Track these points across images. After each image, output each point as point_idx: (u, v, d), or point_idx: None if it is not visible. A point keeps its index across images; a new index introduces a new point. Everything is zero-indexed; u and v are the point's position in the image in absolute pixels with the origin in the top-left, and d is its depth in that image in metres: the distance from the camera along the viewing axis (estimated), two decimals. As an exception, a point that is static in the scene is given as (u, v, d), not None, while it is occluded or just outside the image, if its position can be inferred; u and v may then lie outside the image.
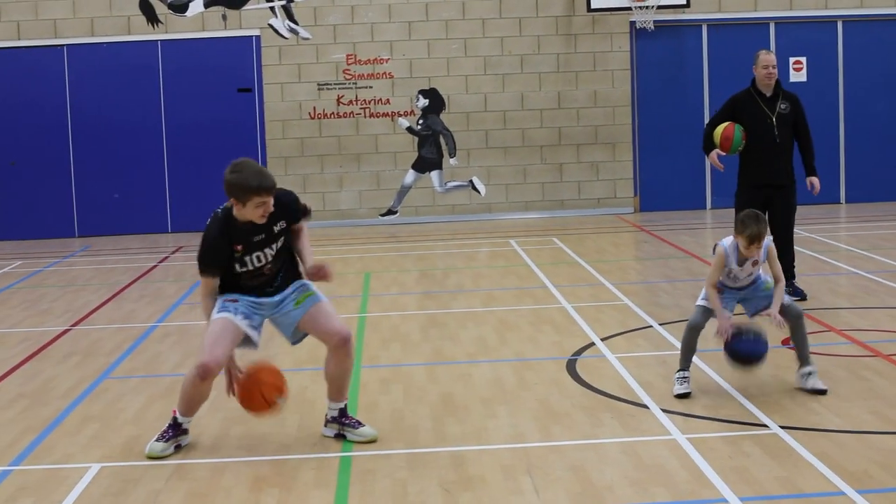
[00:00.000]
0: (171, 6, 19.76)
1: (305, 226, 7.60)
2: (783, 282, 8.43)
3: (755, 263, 8.32)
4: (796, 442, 7.20)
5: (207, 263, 7.36)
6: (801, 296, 11.57)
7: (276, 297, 7.50)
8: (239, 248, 7.27)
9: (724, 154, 11.49)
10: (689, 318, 8.53)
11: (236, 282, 7.42)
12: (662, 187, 20.32)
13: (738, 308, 8.55)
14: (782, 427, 7.51)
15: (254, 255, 7.33)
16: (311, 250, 7.56)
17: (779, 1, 20.26)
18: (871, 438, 7.29)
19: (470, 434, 7.70)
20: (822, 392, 8.24)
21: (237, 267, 7.34)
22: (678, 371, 8.44)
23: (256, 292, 7.45)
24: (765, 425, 7.58)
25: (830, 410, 7.91)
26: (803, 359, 8.39)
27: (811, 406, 8.01)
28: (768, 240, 8.38)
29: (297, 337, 7.66)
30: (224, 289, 7.45)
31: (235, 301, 7.43)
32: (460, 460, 7.15)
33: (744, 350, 8.24)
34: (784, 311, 8.34)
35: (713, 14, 20.21)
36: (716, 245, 8.44)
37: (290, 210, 7.42)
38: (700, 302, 8.49)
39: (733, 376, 8.61)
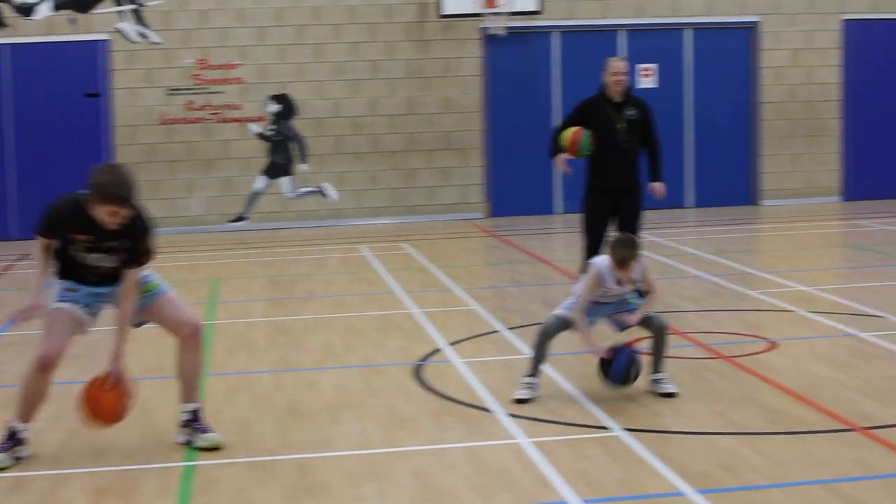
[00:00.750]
0: (18, 9, 19.32)
1: (136, 274, 7.37)
2: (657, 292, 8.50)
3: (633, 282, 8.39)
4: (639, 444, 7.27)
5: (42, 231, 7.26)
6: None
7: (118, 287, 7.36)
8: (83, 238, 7.13)
9: (571, 158, 11.57)
10: (544, 325, 8.54)
11: (75, 269, 7.28)
12: (513, 193, 20.44)
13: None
14: (625, 429, 7.57)
15: (97, 255, 7.20)
16: (132, 302, 7.36)
17: (629, 8, 20.52)
18: (712, 439, 7.38)
19: (315, 441, 7.63)
20: (672, 395, 8.34)
21: (76, 255, 7.21)
22: (526, 376, 8.46)
23: (95, 284, 7.33)
24: (608, 428, 7.64)
25: (673, 412, 8.00)
26: (656, 365, 8.49)
27: (654, 408, 8.10)
28: (644, 264, 8.45)
29: (136, 321, 7.51)
30: (64, 273, 7.31)
31: (75, 290, 7.29)
32: (305, 468, 7.08)
33: (617, 374, 8.31)
34: (649, 321, 8.44)
35: (564, 21, 20.39)
36: (589, 265, 8.49)
37: (136, 244, 7.26)
38: (558, 311, 8.50)
39: (577, 379, 8.65)
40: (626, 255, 8.23)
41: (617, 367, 8.30)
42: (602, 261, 8.41)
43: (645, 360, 8.52)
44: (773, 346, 9.89)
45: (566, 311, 8.45)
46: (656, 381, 8.46)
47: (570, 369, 8.75)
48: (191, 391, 7.58)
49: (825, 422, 7.68)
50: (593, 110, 11.60)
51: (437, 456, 7.24)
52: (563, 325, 8.46)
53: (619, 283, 8.34)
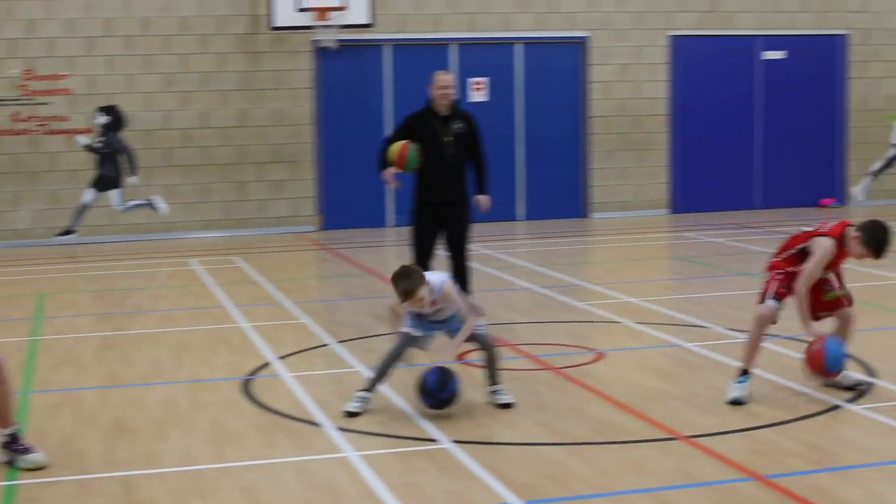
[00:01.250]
0: None
1: None
2: (471, 320, 8.48)
3: (433, 304, 8.39)
4: (467, 456, 7.30)
5: None
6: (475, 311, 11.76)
7: None
8: None
9: (399, 172, 11.60)
10: (394, 345, 8.49)
11: None
12: (345, 205, 20.42)
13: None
14: (453, 442, 7.60)
15: None
16: None
17: (460, 22, 20.67)
18: (540, 450, 7.45)
19: (141, 458, 7.51)
20: (509, 406, 8.39)
21: None
22: (360, 390, 8.42)
23: None
24: (436, 440, 7.66)
25: (501, 424, 8.06)
26: (492, 378, 8.54)
27: (482, 420, 8.14)
28: (440, 280, 8.43)
29: None
30: None
31: None
32: (130, 485, 6.96)
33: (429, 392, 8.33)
34: (476, 338, 8.48)
35: (396, 34, 20.44)
36: None
37: None
38: (405, 329, 8.49)
39: (408, 392, 8.66)
40: (405, 287, 8.24)
41: (429, 382, 8.31)
42: None
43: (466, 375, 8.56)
44: (600, 356, 10.04)
45: (412, 328, 8.45)
46: (493, 392, 8.51)
47: (401, 382, 8.74)
48: (5, 418, 7.41)
49: (650, 431, 7.81)
50: (420, 124, 11.65)
51: (266, 471, 7.17)
52: (411, 341, 8.46)
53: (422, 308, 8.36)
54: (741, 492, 6.60)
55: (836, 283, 8.63)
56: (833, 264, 8.49)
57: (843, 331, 8.73)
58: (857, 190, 22.94)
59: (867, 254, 8.27)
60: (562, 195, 21.35)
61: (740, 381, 8.48)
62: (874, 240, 8.23)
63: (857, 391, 8.61)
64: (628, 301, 12.69)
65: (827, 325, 8.80)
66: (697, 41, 21.74)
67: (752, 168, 22.27)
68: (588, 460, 7.21)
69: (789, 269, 8.51)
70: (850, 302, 8.72)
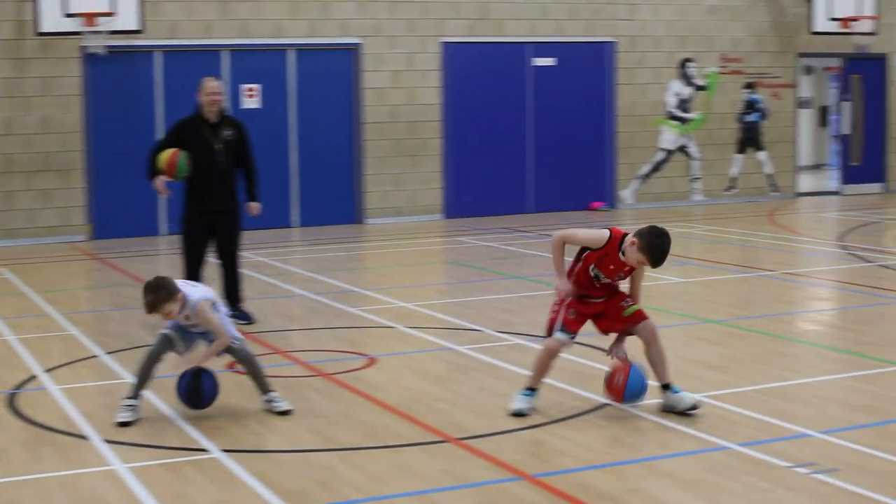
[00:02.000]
0: None
1: None
2: (220, 342, 8.37)
3: (187, 318, 8.32)
4: (237, 464, 7.25)
5: None
6: (247, 319, 11.70)
7: None
8: None
9: (170, 180, 11.46)
10: (151, 347, 8.43)
11: None
12: (116, 214, 20.03)
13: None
14: (223, 450, 7.53)
15: None
16: None
17: (231, 29, 20.49)
18: (311, 456, 7.45)
19: None
20: (287, 413, 8.36)
21: None
22: (126, 398, 8.30)
23: None
24: (206, 450, 7.59)
25: (271, 431, 8.03)
26: (262, 388, 8.49)
27: (253, 428, 8.09)
28: (197, 298, 8.33)
29: None
30: None
31: None
32: None
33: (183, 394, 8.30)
34: (234, 353, 8.43)
35: (167, 40, 20.16)
36: None
37: None
38: (164, 330, 8.40)
39: (176, 402, 8.56)
40: (149, 300, 8.21)
41: (181, 387, 8.33)
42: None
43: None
44: (372, 362, 10.08)
45: (171, 330, 8.38)
46: (269, 401, 8.47)
47: (169, 392, 8.63)
48: None
49: (420, 434, 7.88)
50: (189, 131, 11.53)
51: (31, 487, 7.00)
52: (169, 343, 8.38)
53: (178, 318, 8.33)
54: (509, 492, 6.71)
55: (630, 298, 8.30)
56: (607, 269, 8.11)
57: (654, 348, 8.28)
58: (626, 193, 23.53)
59: (645, 261, 7.95)
60: (336, 201, 21.36)
61: (526, 395, 8.33)
62: (651, 246, 7.91)
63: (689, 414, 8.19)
64: (401, 306, 12.77)
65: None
66: (469, 48, 22.01)
67: (524, 173, 22.65)
68: (358, 465, 7.23)
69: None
70: (644, 314, 8.35)
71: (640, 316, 8.29)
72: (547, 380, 9.20)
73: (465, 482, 6.88)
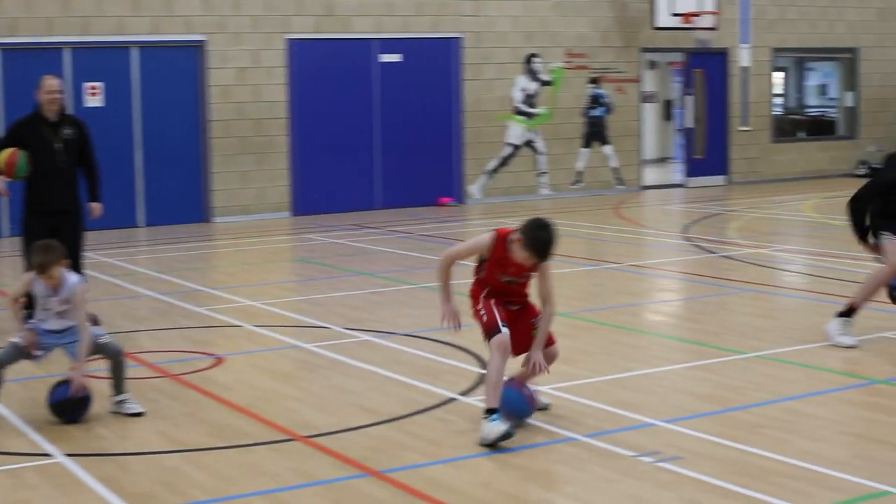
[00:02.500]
0: None
1: None
2: (86, 333, 8.24)
3: (65, 301, 8.17)
4: (81, 469, 7.13)
5: None
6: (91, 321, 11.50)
7: None
8: None
9: (9, 180, 11.22)
10: (0, 354, 8.26)
11: None
12: (-45, 216, 19.60)
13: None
14: (67, 455, 7.40)
15: None
16: None
17: (73, 26, 20.11)
18: (157, 458, 7.35)
19: None
20: (139, 415, 8.25)
21: None
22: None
23: None
24: (49, 455, 7.44)
25: (116, 434, 7.91)
26: (118, 388, 8.36)
27: (97, 431, 7.96)
28: (77, 280, 8.26)
29: None
30: None
31: None
32: None
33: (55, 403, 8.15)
34: (104, 348, 8.30)
35: (6, 38, 19.72)
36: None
37: None
38: (14, 339, 8.23)
39: (18, 406, 8.39)
40: (41, 260, 8.12)
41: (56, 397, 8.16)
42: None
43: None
44: (219, 361, 9.99)
45: (20, 339, 8.20)
46: (120, 402, 8.34)
47: (11, 397, 8.46)
48: None
49: (268, 433, 7.83)
50: (28, 130, 11.31)
51: None
52: (19, 353, 8.20)
53: (50, 294, 8.17)
54: (357, 488, 6.71)
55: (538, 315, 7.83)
56: (510, 271, 7.69)
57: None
58: (473, 188, 23.66)
59: (530, 256, 7.52)
60: (183, 200, 21.12)
61: (493, 420, 7.42)
62: (534, 240, 7.50)
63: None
64: (249, 304, 12.68)
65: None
66: (315, 44, 21.93)
67: (372, 169, 22.64)
68: (205, 466, 7.16)
69: (486, 289, 7.81)
70: (553, 338, 7.95)
71: (548, 341, 7.87)
72: (394, 375, 9.24)
73: (313, 480, 6.85)
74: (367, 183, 22.63)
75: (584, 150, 24.84)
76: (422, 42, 22.91)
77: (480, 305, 7.77)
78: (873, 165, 26.14)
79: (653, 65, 33.36)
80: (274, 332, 11.21)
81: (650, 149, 32.09)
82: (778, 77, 29.72)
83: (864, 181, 10.58)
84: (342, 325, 11.43)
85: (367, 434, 7.78)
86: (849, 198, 10.28)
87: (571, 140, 24.67)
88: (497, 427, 7.31)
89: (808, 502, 6.28)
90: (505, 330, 7.59)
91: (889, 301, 10.47)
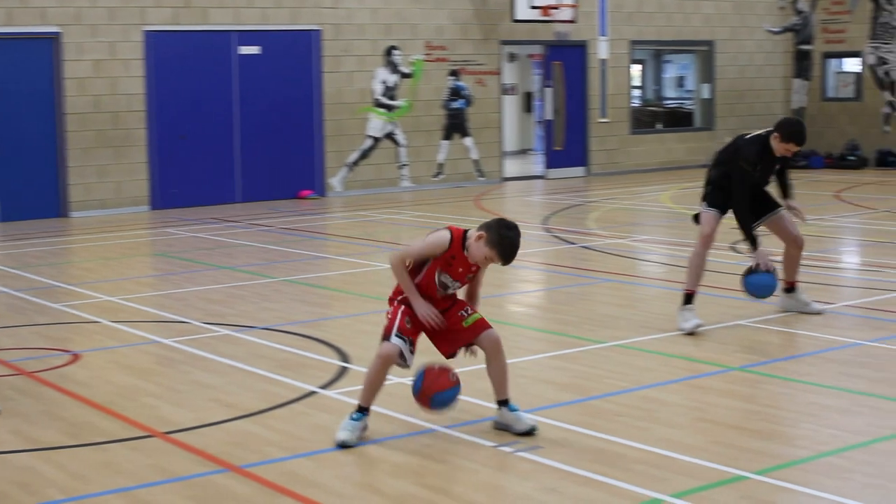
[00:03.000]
0: None
1: None
2: None
3: None
4: (-68, 470, 6.97)
5: None
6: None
7: None
8: None
9: None
10: None
11: None
12: None
13: None
14: (-83, 456, 7.23)
15: None
16: None
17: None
18: (11, 458, 7.21)
19: None
20: (-3, 414, 8.13)
21: None
22: None
23: None
24: None
25: (-31, 434, 7.74)
26: None
27: (-52, 432, 7.79)
28: None
29: None
30: None
31: None
32: None
33: None
34: None
35: None
36: None
37: None
38: None
39: None
40: None
41: None
42: None
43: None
44: (76, 358, 9.82)
45: None
46: None
47: None
48: None
49: (126, 430, 7.72)
50: None
51: None
52: None
53: None
54: (216, 483, 6.65)
55: (469, 306, 7.65)
56: (455, 272, 7.47)
57: (496, 361, 7.55)
58: (334, 181, 23.60)
59: (494, 256, 7.25)
60: (39, 195, 20.72)
61: (355, 419, 7.41)
62: (501, 239, 7.24)
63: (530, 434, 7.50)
64: (107, 300, 12.49)
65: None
66: (173, 36, 21.67)
67: (232, 162, 22.44)
68: (61, 464, 7.04)
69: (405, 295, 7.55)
70: (487, 323, 7.67)
71: (482, 325, 7.57)
72: (255, 369, 9.19)
73: (171, 476, 6.77)
74: (227, 176, 22.43)
75: (444, 143, 24.92)
76: (281, 34, 22.78)
77: (391, 309, 7.55)
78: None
79: (512, 57, 33.60)
80: (132, 327, 11.06)
81: (511, 141, 32.34)
82: (636, 69, 30.14)
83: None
84: (202, 319, 11.33)
85: (227, 429, 7.72)
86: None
87: (432, 132, 24.74)
88: (342, 433, 7.30)
89: (665, 488, 6.38)
90: (396, 341, 7.33)
91: (744, 291, 10.67)
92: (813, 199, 21.13)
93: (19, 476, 6.85)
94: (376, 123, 24.02)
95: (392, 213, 20.33)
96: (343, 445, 7.23)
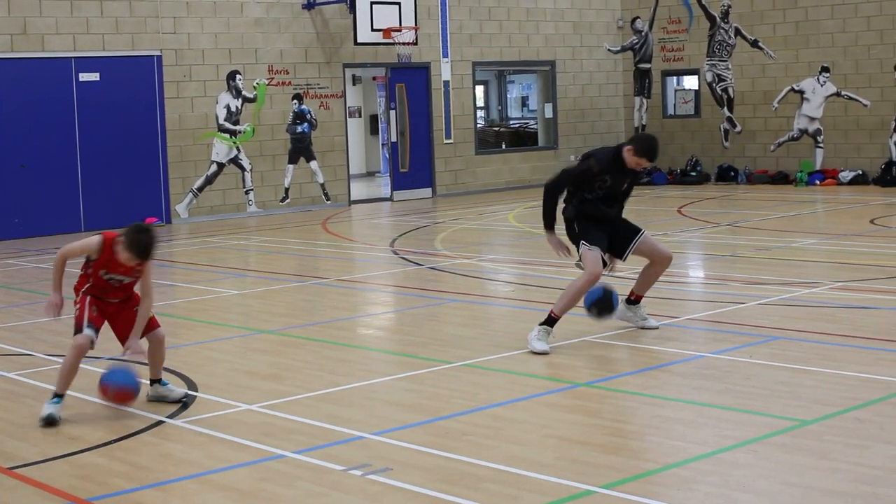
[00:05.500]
0: None
1: None
2: None
3: None
4: None
5: None
6: None
7: None
8: None
9: None
10: None
11: None
12: None
13: None
14: None
15: None
16: None
17: None
18: None
19: None
20: None
21: None
22: None
23: None
24: None
25: None
26: None
27: None
28: None
29: None
30: None
31: None
32: None
33: None
34: None
35: None
36: None
37: None
38: None
39: None
40: None
41: None
42: None
43: None
44: (-86, 395, 9.57)
45: None
46: None
47: None
48: None
49: (-34, 468, 7.55)
50: None
51: None
52: None
53: None
54: (61, 519, 6.54)
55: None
56: (118, 270, 8.56)
57: (159, 351, 8.95)
58: (180, 208, 23.36)
59: (131, 257, 8.39)
60: None
61: (55, 402, 8.50)
62: (135, 243, 8.35)
63: (182, 403, 8.89)
64: (-54, 335, 12.20)
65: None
66: (10, 63, 21.28)
67: (76, 190, 22.08)
68: None
69: (88, 285, 8.68)
70: (157, 323, 8.91)
71: (151, 324, 8.76)
72: (100, 401, 9.03)
73: (16, 513, 6.65)
74: (71, 205, 22.07)
75: (290, 167, 24.85)
76: (121, 60, 22.51)
77: (78, 299, 8.63)
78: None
79: (356, 80, 33.65)
80: (-28, 362, 10.82)
81: (357, 163, 32.39)
82: (480, 90, 30.41)
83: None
84: (46, 351, 11.12)
85: (72, 462, 7.59)
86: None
87: (277, 156, 24.66)
88: (46, 409, 8.39)
89: (514, 505, 6.44)
90: (88, 332, 8.47)
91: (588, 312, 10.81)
92: (656, 214, 21.53)
93: None
94: (221, 148, 23.86)
95: (239, 239, 20.20)
96: (50, 421, 8.34)
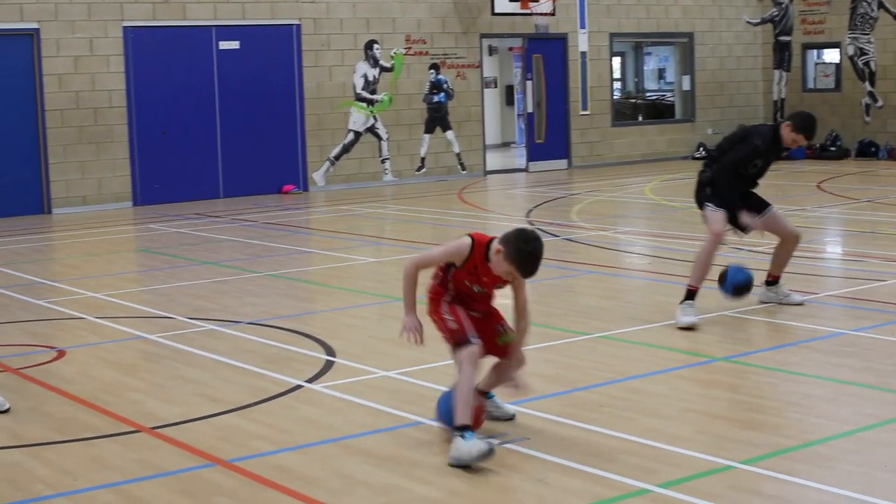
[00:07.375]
0: None
1: None
2: None
3: None
4: (-82, 468, 6.95)
5: None
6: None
7: None
8: None
9: None
10: None
11: None
12: None
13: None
14: None
15: None
16: None
17: None
18: (-3, 455, 7.21)
19: None
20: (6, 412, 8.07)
21: None
22: None
23: None
24: None
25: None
26: None
27: (-66, 429, 7.77)
28: None
29: None
30: None
31: None
32: None
33: None
34: None
35: None
36: None
37: None
38: None
39: None
40: None
41: None
42: None
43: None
44: (61, 354, 9.80)
45: None
46: None
47: None
48: None
49: (113, 426, 7.70)
50: None
51: None
52: None
53: None
54: (203, 478, 6.64)
55: (507, 325, 7.35)
56: (482, 282, 7.15)
57: (507, 373, 7.38)
58: (317, 175, 23.58)
59: (513, 271, 6.90)
60: (22, 192, 20.66)
61: (468, 437, 6.74)
62: (519, 253, 6.84)
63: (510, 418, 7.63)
64: (91, 296, 12.46)
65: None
66: (152, 32, 21.62)
67: (215, 157, 22.41)
68: (48, 460, 7.02)
69: (451, 294, 7.25)
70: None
71: (511, 351, 7.32)
72: (240, 364, 9.17)
73: (159, 471, 6.77)
74: (209, 171, 22.40)
75: (426, 136, 24.92)
76: (260, 29, 22.75)
77: (445, 310, 7.18)
78: (709, 148, 26.70)
79: (493, 50, 33.60)
80: (117, 323, 11.05)
81: (492, 134, 32.34)
82: (616, 62, 30.18)
83: (701, 164, 10.84)
84: (186, 314, 11.31)
85: (213, 424, 7.71)
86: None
87: (413, 126, 24.74)
88: (475, 445, 6.63)
89: (653, 479, 6.39)
90: (476, 341, 7.01)
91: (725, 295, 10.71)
92: (795, 189, 21.21)
93: (7, 473, 6.83)
94: (358, 118, 24.01)
95: (375, 208, 20.33)
96: (487, 454, 6.61)
